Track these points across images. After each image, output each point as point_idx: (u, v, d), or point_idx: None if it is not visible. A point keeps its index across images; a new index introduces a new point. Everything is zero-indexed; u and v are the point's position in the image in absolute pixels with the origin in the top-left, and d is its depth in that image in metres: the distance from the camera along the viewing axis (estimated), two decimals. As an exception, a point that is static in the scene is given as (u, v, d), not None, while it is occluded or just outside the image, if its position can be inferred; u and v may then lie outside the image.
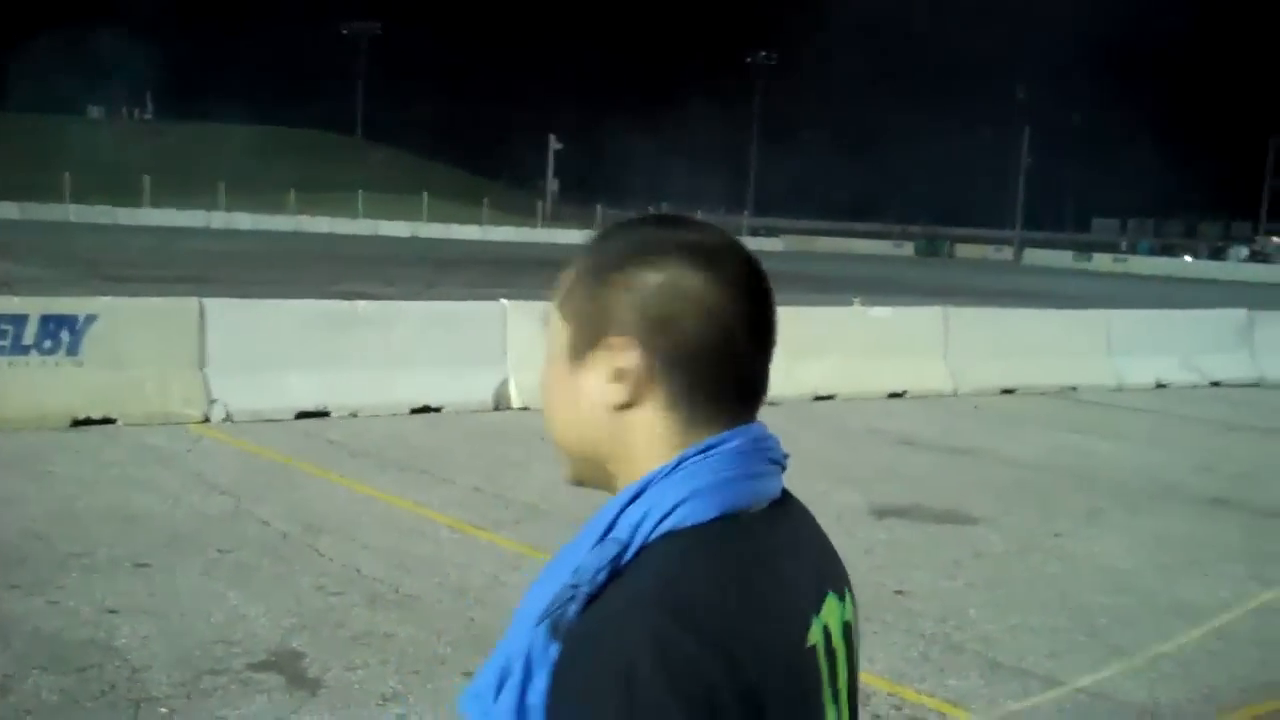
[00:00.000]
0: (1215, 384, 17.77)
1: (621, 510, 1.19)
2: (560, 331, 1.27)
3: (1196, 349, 18.17)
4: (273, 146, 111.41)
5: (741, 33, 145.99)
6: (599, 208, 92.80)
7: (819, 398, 14.33)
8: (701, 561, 1.14)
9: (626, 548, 1.15)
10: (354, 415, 11.90)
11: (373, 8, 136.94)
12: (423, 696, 5.34)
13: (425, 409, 12.36)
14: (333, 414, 11.85)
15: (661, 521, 1.17)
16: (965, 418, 14.01)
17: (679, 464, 1.20)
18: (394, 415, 12.08)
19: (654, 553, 1.15)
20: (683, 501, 1.17)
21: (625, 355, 1.21)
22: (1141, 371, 17.29)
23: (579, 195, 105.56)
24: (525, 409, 12.58)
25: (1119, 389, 16.75)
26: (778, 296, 1.29)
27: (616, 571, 1.14)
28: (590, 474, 1.29)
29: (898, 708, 5.45)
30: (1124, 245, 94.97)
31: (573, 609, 1.13)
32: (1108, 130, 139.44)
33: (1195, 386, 17.53)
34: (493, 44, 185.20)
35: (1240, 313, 19.40)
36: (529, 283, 30.18)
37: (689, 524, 1.17)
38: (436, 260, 44.30)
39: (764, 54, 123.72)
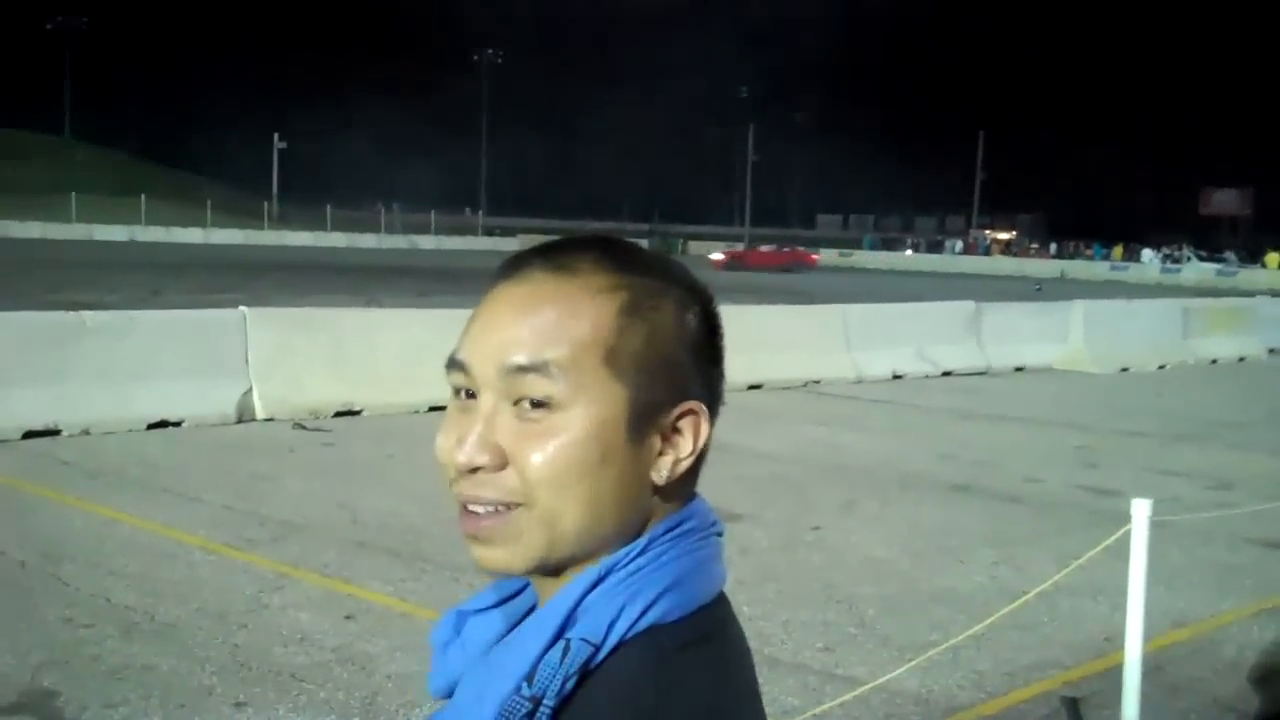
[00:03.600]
0: (947, 373, 18.53)
1: (578, 602, 1.01)
2: (614, 392, 1.02)
3: (929, 340, 18.90)
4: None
5: (469, 31, 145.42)
6: (328, 208, 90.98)
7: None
8: (693, 665, 1.00)
9: (598, 650, 0.98)
10: (87, 433, 11.25)
11: (77, 4, 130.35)
12: (192, 733, 5.03)
13: (164, 424, 11.78)
14: (64, 432, 11.17)
15: (640, 618, 1.00)
16: (715, 414, 14.14)
17: (648, 546, 1.04)
18: (130, 431, 11.47)
19: (632, 656, 0.99)
20: (665, 592, 1.01)
21: (704, 425, 1.06)
22: (879, 363, 17.88)
23: (305, 196, 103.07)
24: (270, 420, 12.15)
25: (859, 381, 17.27)
26: None
27: (585, 677, 0.98)
28: (563, 563, 1.04)
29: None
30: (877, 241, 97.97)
31: None
32: (829, 129, 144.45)
33: (929, 376, 18.23)
34: (207, 42, 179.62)
35: (969, 305, 20.24)
36: (262, 287, 29.31)
37: (671, 620, 1.01)
38: (159, 265, 42.62)
39: (491, 51, 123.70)
